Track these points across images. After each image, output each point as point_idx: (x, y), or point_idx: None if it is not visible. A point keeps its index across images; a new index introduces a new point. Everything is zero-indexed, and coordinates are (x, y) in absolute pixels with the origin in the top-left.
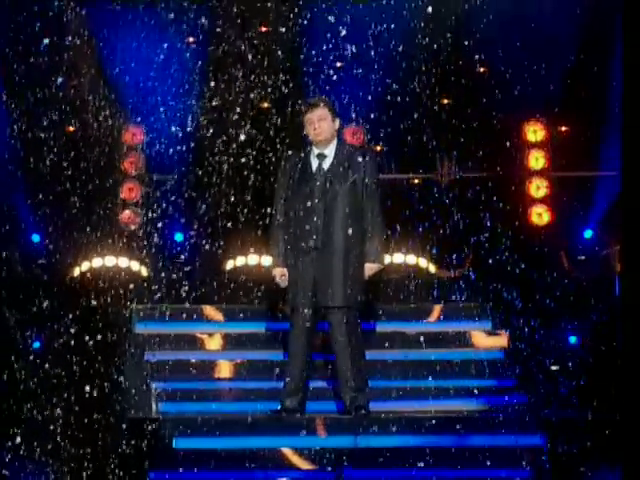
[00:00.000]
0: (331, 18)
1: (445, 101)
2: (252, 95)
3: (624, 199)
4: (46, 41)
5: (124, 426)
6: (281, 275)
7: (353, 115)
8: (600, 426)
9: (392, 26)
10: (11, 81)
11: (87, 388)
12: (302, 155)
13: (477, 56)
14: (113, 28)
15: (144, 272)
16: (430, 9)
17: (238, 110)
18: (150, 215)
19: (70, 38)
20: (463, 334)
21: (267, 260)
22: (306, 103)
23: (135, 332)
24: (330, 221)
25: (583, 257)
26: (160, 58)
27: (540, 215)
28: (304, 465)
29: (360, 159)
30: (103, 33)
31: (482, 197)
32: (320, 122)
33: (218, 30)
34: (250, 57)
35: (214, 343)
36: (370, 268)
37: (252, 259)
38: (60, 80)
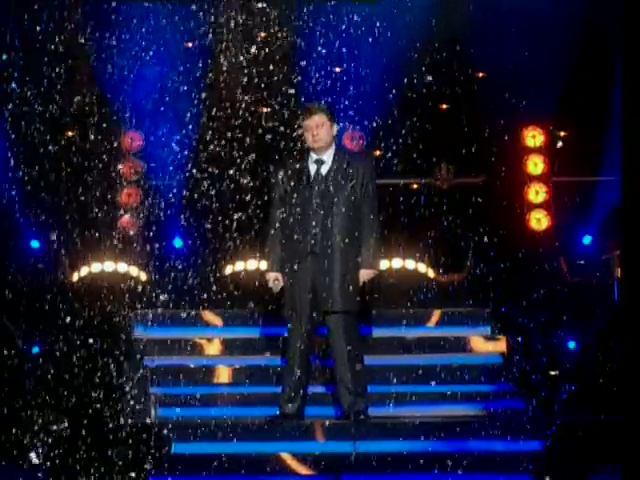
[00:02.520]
0: (330, 22)
1: (444, 106)
2: (251, 100)
3: (624, 204)
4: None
5: (123, 431)
6: (274, 280)
7: (352, 120)
8: (599, 431)
9: (391, 31)
10: (7, 86)
11: (86, 393)
12: (300, 160)
13: (476, 61)
14: (112, 30)
15: (143, 277)
16: (429, 14)
17: (237, 115)
18: (149, 220)
19: (68, 41)
20: (462, 339)
21: (265, 265)
22: (304, 109)
23: (134, 337)
24: (329, 226)
25: (582, 262)
26: (159, 62)
27: (539, 220)
28: (303, 470)
29: (358, 164)
30: (101, 36)
31: (481, 202)
32: (318, 129)
33: (218, 35)
34: (250, 61)
35: (213, 348)
36: (365, 274)
37: (251, 264)
38: (58, 85)
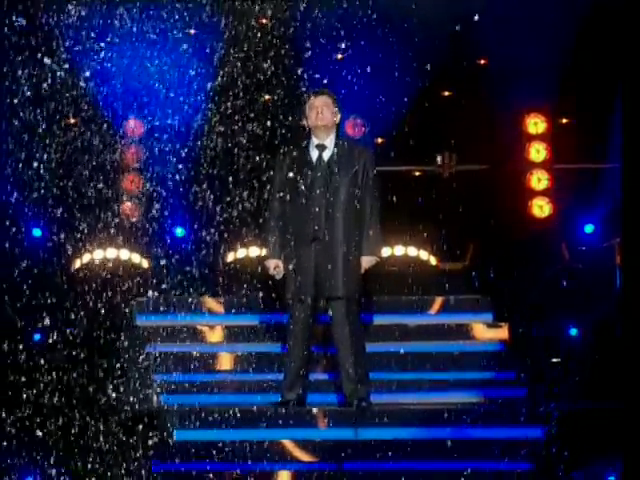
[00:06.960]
0: (330, 10)
1: (446, 93)
2: (252, 87)
3: (624, 191)
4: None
5: (125, 418)
6: (275, 266)
7: (354, 107)
8: (600, 419)
9: (392, 18)
10: (7, 73)
11: (88, 381)
12: (301, 147)
13: (478, 48)
14: (113, 22)
15: (145, 264)
16: (430, 1)
17: (238, 102)
18: (151, 207)
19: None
20: (464, 326)
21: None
22: (311, 92)
23: (136, 324)
24: (331, 211)
25: (584, 248)
26: (160, 51)
27: (541, 207)
28: (305, 457)
29: (359, 153)
30: (103, 28)
31: (483, 189)
32: (323, 108)
33: (219, 23)
34: (250, 49)
35: (215, 335)
36: (367, 261)
37: (253, 251)
38: (59, 72)
